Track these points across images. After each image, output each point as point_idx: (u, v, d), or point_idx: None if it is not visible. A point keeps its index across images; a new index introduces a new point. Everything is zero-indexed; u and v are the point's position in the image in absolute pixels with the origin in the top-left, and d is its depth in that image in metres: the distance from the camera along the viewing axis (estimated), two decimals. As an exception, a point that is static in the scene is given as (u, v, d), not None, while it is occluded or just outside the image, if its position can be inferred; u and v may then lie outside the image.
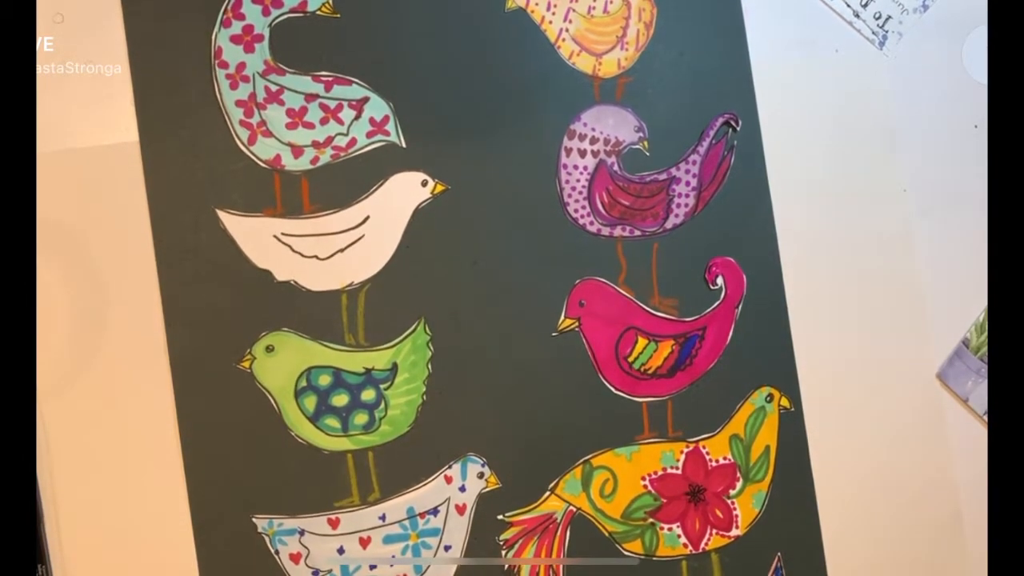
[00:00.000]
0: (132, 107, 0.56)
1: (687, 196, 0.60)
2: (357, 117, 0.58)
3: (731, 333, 0.60)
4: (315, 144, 0.57)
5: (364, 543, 0.58)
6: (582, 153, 0.59)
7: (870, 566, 0.61)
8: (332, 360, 0.57)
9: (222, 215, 0.57)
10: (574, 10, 0.59)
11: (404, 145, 0.58)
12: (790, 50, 0.61)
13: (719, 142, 0.60)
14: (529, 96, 0.59)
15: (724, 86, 0.60)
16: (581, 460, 0.59)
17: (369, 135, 0.58)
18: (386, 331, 0.58)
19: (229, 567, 0.56)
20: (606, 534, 0.59)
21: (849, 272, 0.61)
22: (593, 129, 0.59)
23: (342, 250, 0.57)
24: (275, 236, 0.57)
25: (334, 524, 0.57)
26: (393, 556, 0.58)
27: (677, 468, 0.60)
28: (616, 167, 0.59)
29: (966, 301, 0.61)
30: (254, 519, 0.57)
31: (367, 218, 0.58)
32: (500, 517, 0.59)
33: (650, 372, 0.60)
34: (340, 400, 0.57)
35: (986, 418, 0.61)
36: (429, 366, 0.58)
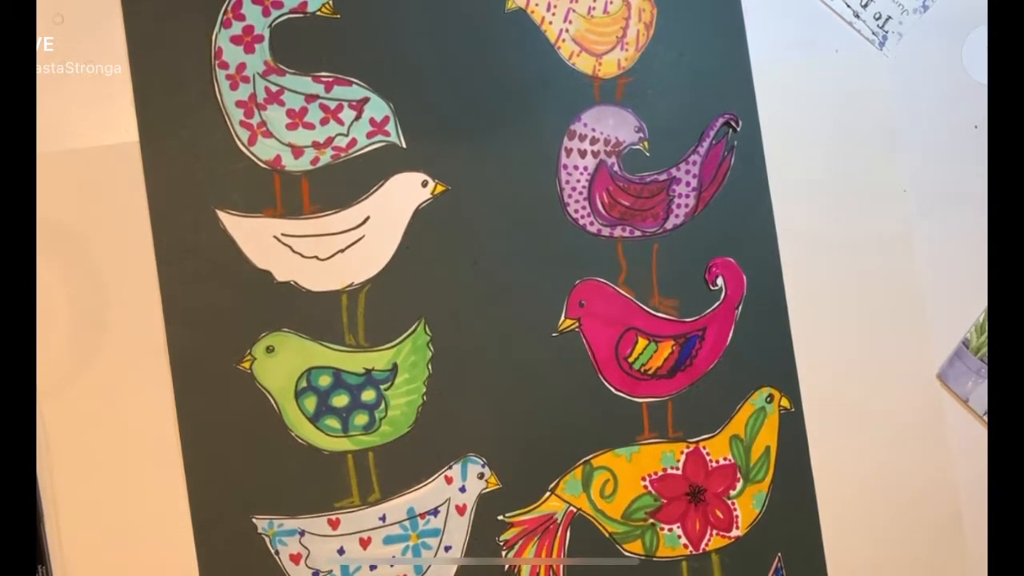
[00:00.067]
0: (132, 107, 0.56)
1: (687, 196, 0.60)
2: (357, 118, 0.58)
3: (731, 333, 0.60)
4: (315, 145, 0.57)
5: (364, 544, 0.58)
6: (582, 153, 0.59)
7: (870, 566, 0.61)
8: (332, 361, 0.57)
9: (222, 215, 0.57)
10: (574, 10, 0.59)
11: (404, 145, 0.58)
12: (790, 50, 0.61)
13: (719, 142, 0.60)
14: (529, 96, 0.59)
15: (724, 86, 0.60)
16: (581, 461, 0.59)
17: (369, 135, 0.58)
18: (386, 331, 0.58)
19: (229, 567, 0.56)
20: (606, 534, 0.59)
21: (849, 272, 0.61)
22: (593, 129, 0.59)
23: (342, 250, 0.58)
24: (275, 236, 0.57)
25: (334, 525, 0.57)
26: (393, 556, 0.58)
27: (677, 469, 0.60)
28: (616, 167, 0.59)
29: (966, 301, 0.61)
30: (254, 519, 0.57)
31: (367, 218, 0.58)
32: (500, 517, 0.59)
33: (650, 372, 0.60)
34: (340, 400, 0.57)
35: (986, 418, 0.61)
36: (429, 366, 0.58)
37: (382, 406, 0.58)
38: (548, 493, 0.59)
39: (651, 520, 0.60)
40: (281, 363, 0.57)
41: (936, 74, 0.62)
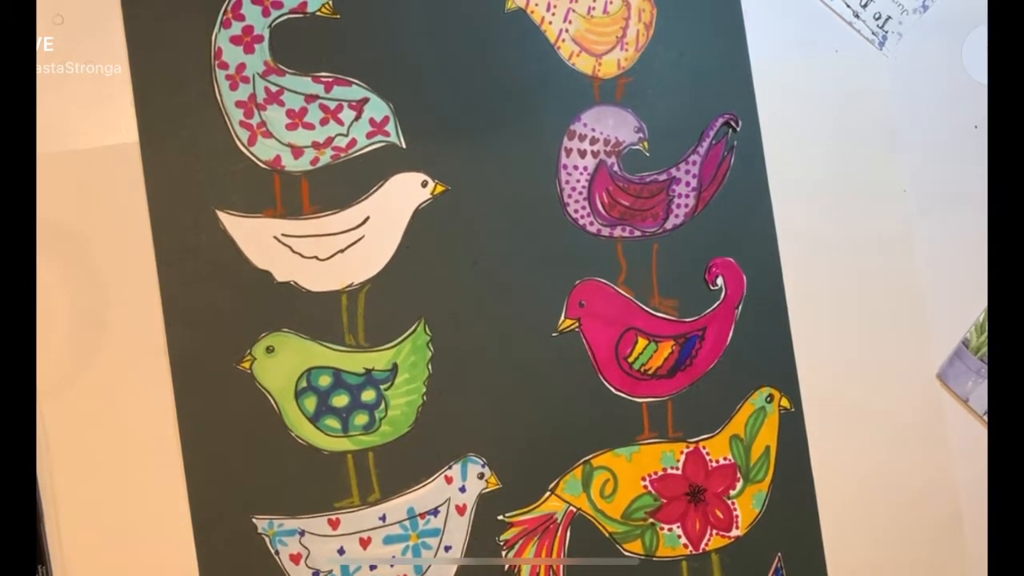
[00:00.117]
0: (132, 107, 0.56)
1: (687, 196, 0.60)
2: (357, 118, 0.58)
3: (731, 333, 0.60)
4: (315, 145, 0.57)
5: (364, 543, 0.58)
6: (582, 153, 0.59)
7: (870, 566, 0.61)
8: (332, 361, 0.57)
9: (222, 216, 0.57)
10: (574, 10, 0.59)
11: (404, 146, 0.58)
12: (790, 50, 0.61)
13: (719, 142, 0.60)
14: (529, 96, 0.59)
15: (724, 86, 0.60)
16: (581, 460, 0.59)
17: (369, 136, 0.58)
18: (386, 332, 0.58)
19: (229, 567, 0.56)
20: (606, 534, 0.59)
21: (849, 272, 0.61)
22: (593, 129, 0.59)
23: (342, 251, 0.58)
24: (275, 237, 0.57)
25: (334, 525, 0.57)
26: (393, 556, 0.58)
27: (677, 468, 0.60)
28: (616, 167, 0.59)
29: (966, 301, 0.61)
30: (254, 519, 0.57)
31: (367, 219, 0.58)
32: (500, 517, 0.59)
33: (650, 372, 0.60)
34: (340, 401, 0.57)
35: (986, 418, 0.61)
36: (429, 366, 0.58)
37: (382, 406, 0.58)
38: (548, 493, 0.59)
39: (651, 520, 0.60)
40: (281, 363, 0.57)
41: (936, 74, 0.62)
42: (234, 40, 0.57)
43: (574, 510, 0.59)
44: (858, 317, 0.61)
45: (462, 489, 0.58)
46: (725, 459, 0.60)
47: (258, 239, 0.57)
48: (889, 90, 0.61)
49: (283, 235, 0.57)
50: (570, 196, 0.59)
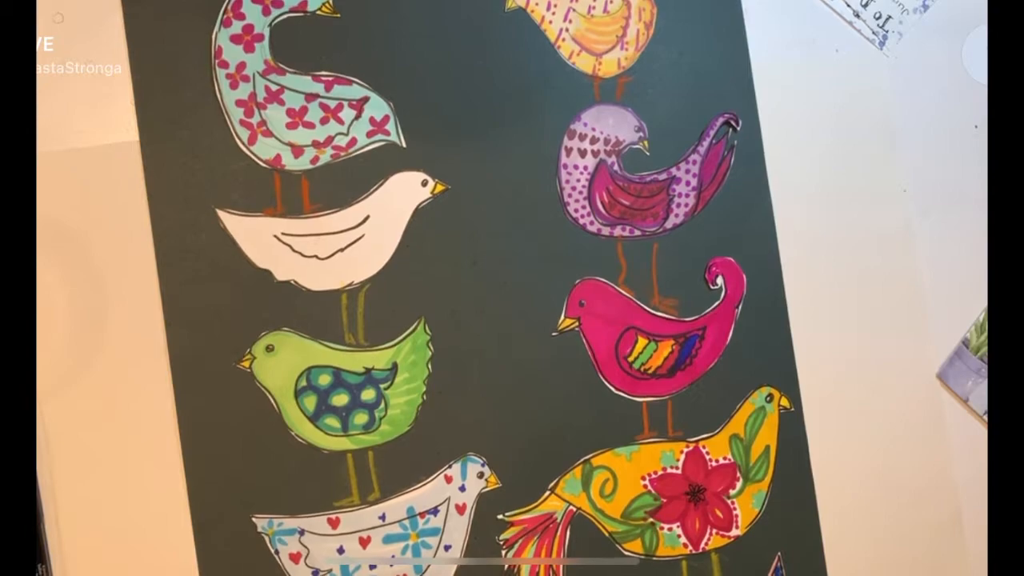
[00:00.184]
0: (132, 107, 0.56)
1: (687, 196, 0.60)
2: (357, 117, 0.58)
3: (731, 333, 0.60)
4: (315, 144, 0.57)
5: (364, 543, 0.58)
6: (582, 153, 0.59)
7: (870, 566, 0.61)
8: (332, 360, 0.57)
9: (222, 215, 0.57)
10: (574, 10, 0.59)
11: (404, 145, 0.58)
12: (790, 50, 0.61)
13: (719, 142, 0.60)
14: (529, 96, 0.59)
15: (724, 86, 0.60)
16: (581, 460, 0.59)
17: (369, 135, 0.58)
18: (386, 331, 0.58)
19: (229, 567, 0.56)
20: (606, 534, 0.60)
21: (849, 272, 0.61)
22: (593, 129, 0.59)
23: (342, 250, 0.57)
24: (275, 236, 0.57)
25: (334, 524, 0.57)
26: (393, 556, 0.58)
27: (677, 468, 0.60)
28: (616, 167, 0.59)
29: (966, 301, 0.62)
30: (254, 519, 0.57)
31: (367, 218, 0.58)
32: (500, 517, 0.59)
33: (650, 372, 0.60)
34: (340, 400, 0.57)
35: (986, 418, 0.61)
36: (429, 366, 0.58)
37: (382, 405, 0.58)
38: (548, 492, 0.59)
39: (651, 519, 0.60)
40: (281, 362, 0.57)
41: (936, 74, 0.62)
42: (234, 39, 0.57)
43: (574, 509, 0.59)
44: (858, 317, 0.61)
45: (462, 488, 0.58)
46: (725, 459, 0.60)
47: (258, 238, 0.57)
48: (889, 90, 0.61)
49: (283, 234, 0.57)
50: (570, 195, 0.59)
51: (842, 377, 0.61)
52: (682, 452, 0.60)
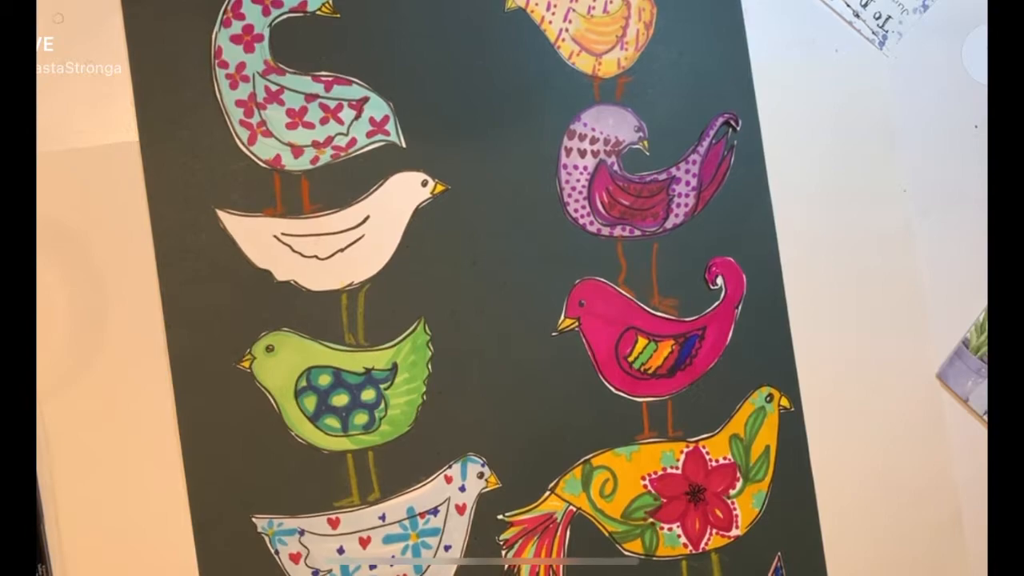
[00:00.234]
0: (132, 107, 0.56)
1: (687, 196, 0.60)
2: (357, 117, 0.58)
3: (731, 333, 0.60)
4: (315, 144, 0.57)
5: (364, 543, 0.58)
6: (582, 153, 0.59)
7: (870, 566, 0.61)
8: (332, 360, 0.57)
9: (222, 215, 0.57)
10: (574, 10, 0.59)
11: (404, 145, 0.58)
12: (790, 50, 0.61)
13: (719, 142, 0.60)
14: (529, 96, 0.59)
15: (724, 86, 0.60)
16: (581, 460, 0.59)
17: (369, 135, 0.58)
18: (386, 331, 0.58)
19: (229, 567, 0.56)
20: (606, 534, 0.59)
21: (849, 272, 0.61)
22: (593, 129, 0.59)
23: (342, 250, 0.58)
24: (275, 236, 0.57)
25: (334, 524, 0.57)
26: (393, 556, 0.58)
27: (677, 468, 0.60)
28: (616, 167, 0.59)
29: (966, 301, 0.62)
30: (254, 519, 0.57)
31: (367, 218, 0.58)
32: (500, 517, 0.59)
33: (650, 372, 0.60)
34: (340, 400, 0.57)
35: (986, 418, 0.61)
36: (429, 366, 0.58)
37: (382, 405, 0.58)
38: (548, 492, 0.59)
39: (651, 519, 0.60)
40: (281, 362, 0.57)
41: (936, 74, 0.62)
42: (234, 39, 0.57)
43: (574, 509, 0.59)
44: (858, 317, 0.61)
45: (462, 488, 0.58)
46: (725, 459, 0.60)
47: (258, 238, 0.57)
48: (889, 90, 0.61)
49: (283, 234, 0.57)
50: (570, 196, 0.59)
51: (842, 377, 0.61)
52: (682, 452, 0.60)
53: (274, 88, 0.57)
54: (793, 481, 0.60)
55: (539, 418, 0.59)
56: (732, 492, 0.60)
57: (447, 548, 0.58)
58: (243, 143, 0.57)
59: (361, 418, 0.58)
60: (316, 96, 0.57)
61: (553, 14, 0.59)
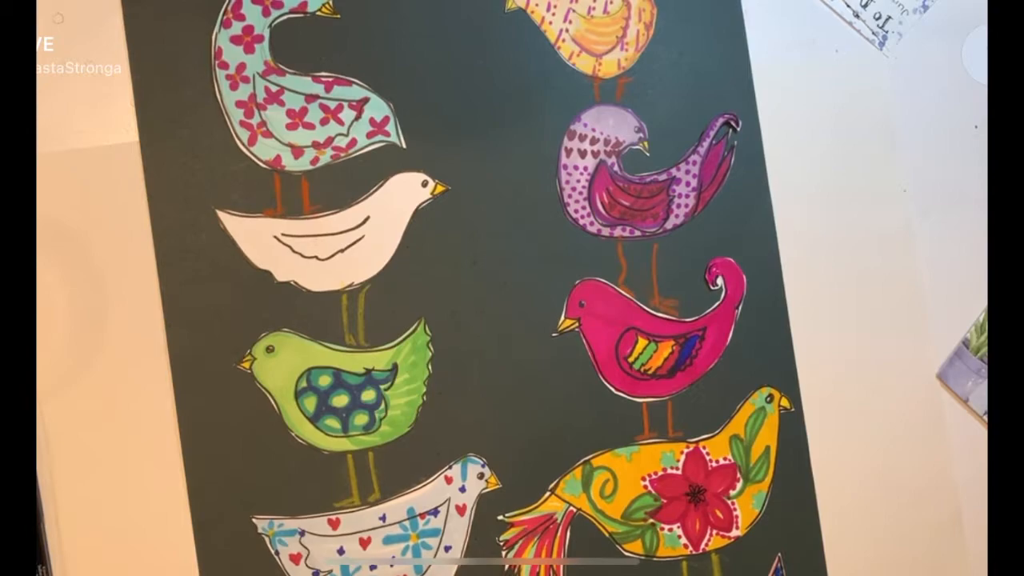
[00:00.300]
0: (132, 107, 0.56)
1: (687, 196, 0.60)
2: (357, 117, 0.58)
3: (731, 333, 0.60)
4: (315, 144, 0.57)
5: (364, 543, 0.58)
6: (582, 153, 0.59)
7: (870, 566, 0.61)
8: (332, 361, 0.57)
9: (222, 216, 0.57)
10: (574, 11, 0.59)
11: (404, 145, 0.58)
12: (790, 50, 0.61)
13: (719, 142, 0.60)
14: (529, 96, 0.59)
15: (724, 86, 0.60)
16: (581, 460, 0.59)
17: (369, 135, 0.58)
18: (386, 331, 0.58)
19: (229, 567, 0.56)
20: (606, 534, 0.59)
21: (849, 272, 0.61)
22: (593, 129, 0.59)
23: (342, 250, 0.58)
24: (275, 236, 0.57)
25: (334, 524, 0.57)
26: (393, 556, 0.58)
27: (677, 468, 0.60)
28: (616, 167, 0.59)
29: (966, 301, 0.61)
30: (254, 519, 0.57)
31: (367, 218, 0.58)
32: (500, 517, 0.59)
33: (650, 372, 0.60)
34: (340, 400, 0.57)
35: (986, 418, 0.61)
36: (429, 366, 0.58)
37: (382, 406, 0.58)
38: (548, 493, 0.59)
39: (651, 520, 0.60)
40: (281, 363, 0.57)
41: (936, 74, 0.62)
42: (234, 40, 0.57)
43: (574, 510, 0.59)
44: (858, 317, 0.61)
45: (462, 489, 0.58)
46: (725, 459, 0.60)
47: (258, 239, 0.57)
48: (889, 90, 0.61)
49: (283, 235, 0.57)
50: (570, 196, 0.59)
51: (842, 377, 0.61)
52: (682, 453, 0.60)
53: (274, 89, 0.57)
54: (793, 481, 0.60)
55: (539, 419, 0.59)
56: (732, 493, 0.60)
57: (447, 549, 0.58)
58: (243, 144, 0.57)
59: (361, 419, 0.58)
60: (316, 97, 0.57)
61: (553, 15, 0.59)
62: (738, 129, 0.60)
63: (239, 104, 0.57)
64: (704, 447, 0.60)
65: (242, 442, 0.57)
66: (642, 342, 0.59)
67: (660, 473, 0.60)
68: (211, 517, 0.56)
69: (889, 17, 0.61)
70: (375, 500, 0.58)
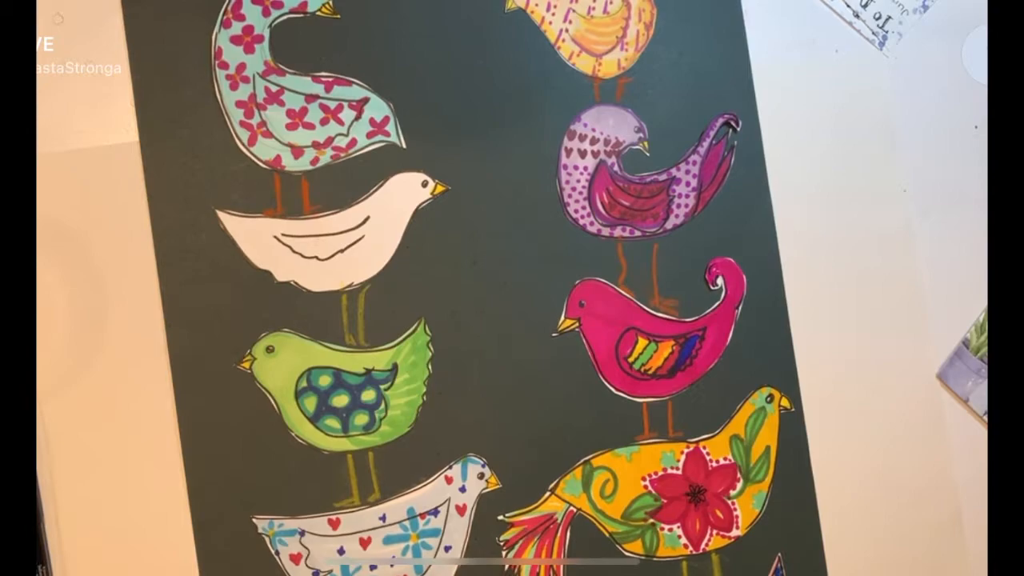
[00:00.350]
0: (132, 107, 0.56)
1: (687, 196, 0.60)
2: (357, 118, 0.58)
3: (731, 333, 0.60)
4: (315, 145, 0.57)
5: (364, 543, 0.58)
6: (582, 153, 0.59)
7: (870, 566, 0.61)
8: (332, 361, 0.57)
9: (222, 216, 0.57)
10: (574, 11, 0.59)
11: (404, 145, 0.58)
12: (790, 50, 0.61)
13: (719, 142, 0.60)
14: (529, 96, 0.59)
15: (724, 86, 0.60)
16: (581, 460, 0.59)
17: (369, 135, 0.58)
18: (386, 332, 0.58)
19: (229, 567, 0.56)
20: (606, 534, 0.59)
21: (849, 272, 0.61)
22: (593, 129, 0.59)
23: (342, 251, 0.58)
24: (275, 237, 0.57)
25: (334, 524, 0.57)
26: (393, 556, 0.58)
27: (677, 468, 0.60)
28: (616, 167, 0.59)
29: (966, 301, 0.61)
30: (254, 519, 0.57)
31: (367, 219, 0.58)
32: (500, 518, 0.59)
33: (650, 372, 0.60)
34: (340, 401, 0.57)
35: (986, 418, 0.61)
36: (429, 366, 0.58)
37: (382, 406, 0.58)
38: (548, 493, 0.59)
39: (651, 520, 0.60)
40: (281, 363, 0.57)
41: (936, 74, 0.62)
42: (234, 40, 0.57)
43: (574, 510, 0.59)
44: (858, 317, 0.61)
45: (462, 489, 0.58)
46: (725, 459, 0.60)
47: (258, 239, 0.57)
48: (889, 90, 0.61)
49: (283, 235, 0.57)
50: (570, 196, 0.59)
51: (842, 377, 0.61)
52: (682, 453, 0.60)
53: (274, 89, 0.57)
54: (793, 481, 0.60)
55: (539, 419, 0.59)
56: (732, 492, 0.60)
57: (447, 549, 0.58)
58: (243, 144, 0.57)
59: (361, 419, 0.58)
60: (316, 97, 0.57)
61: (553, 15, 0.59)
62: (738, 129, 0.60)
63: (239, 104, 0.57)
64: (704, 447, 0.60)
65: (242, 442, 0.57)
66: (642, 342, 0.59)
67: (660, 473, 0.60)
68: (211, 517, 0.56)
69: (889, 17, 0.61)
70: (375, 500, 0.58)
